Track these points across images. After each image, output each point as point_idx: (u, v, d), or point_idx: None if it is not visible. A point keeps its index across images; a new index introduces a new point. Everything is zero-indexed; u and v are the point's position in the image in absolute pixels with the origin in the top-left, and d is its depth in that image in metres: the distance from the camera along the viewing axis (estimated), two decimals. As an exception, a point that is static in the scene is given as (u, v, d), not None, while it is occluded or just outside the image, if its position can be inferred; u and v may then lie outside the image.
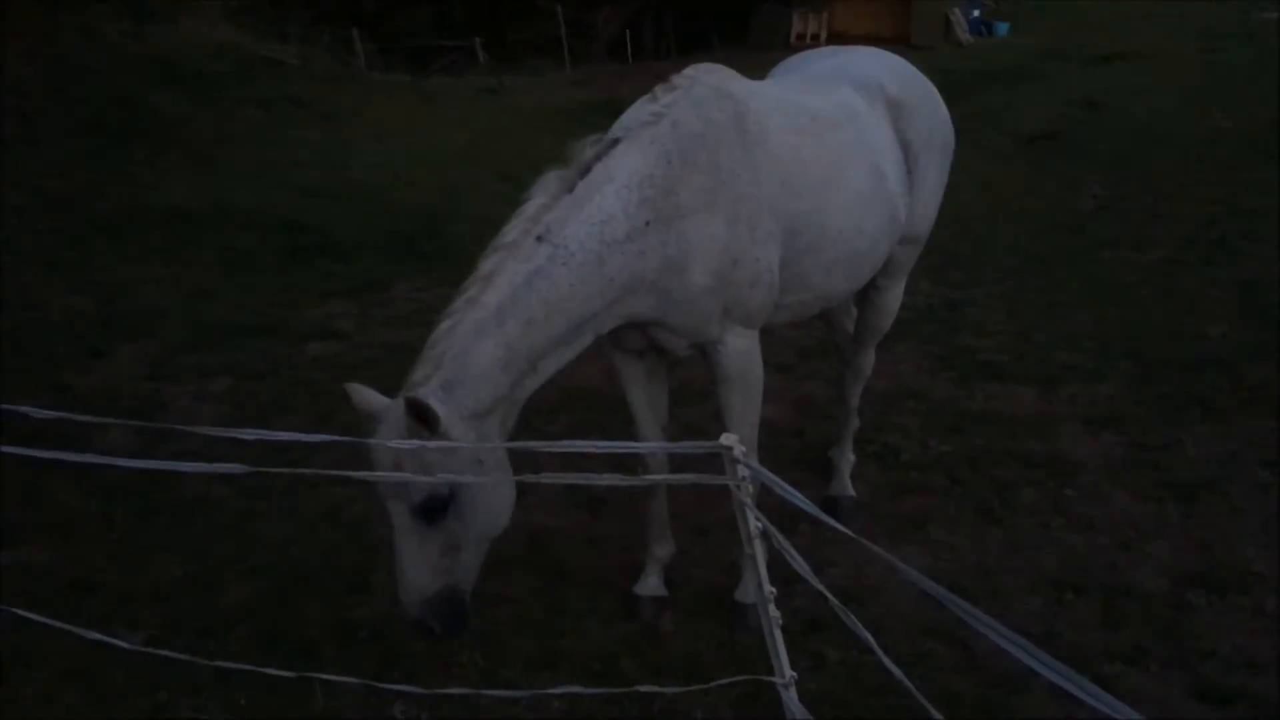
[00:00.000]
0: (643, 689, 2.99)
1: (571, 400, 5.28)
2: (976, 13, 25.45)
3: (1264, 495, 4.39)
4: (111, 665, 3.44)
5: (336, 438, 2.56)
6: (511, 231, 3.04)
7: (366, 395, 2.93)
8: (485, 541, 2.98)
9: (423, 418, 2.73)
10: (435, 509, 2.80)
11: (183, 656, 2.96)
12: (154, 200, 8.82)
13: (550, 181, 3.13)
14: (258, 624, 3.76)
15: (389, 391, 2.94)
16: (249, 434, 2.64)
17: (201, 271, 7.41)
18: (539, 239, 2.99)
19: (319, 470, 2.89)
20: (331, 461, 3.59)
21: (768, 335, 3.67)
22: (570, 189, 3.06)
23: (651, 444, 3.53)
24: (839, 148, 3.58)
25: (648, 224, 3.11)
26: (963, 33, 24.10)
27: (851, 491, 4.49)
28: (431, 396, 2.76)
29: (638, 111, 3.30)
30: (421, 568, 2.83)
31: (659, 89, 3.33)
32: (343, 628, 3.75)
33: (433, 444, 2.68)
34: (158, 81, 12.05)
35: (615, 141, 3.16)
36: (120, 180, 9.33)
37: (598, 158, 3.12)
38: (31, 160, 9.29)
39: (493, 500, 2.94)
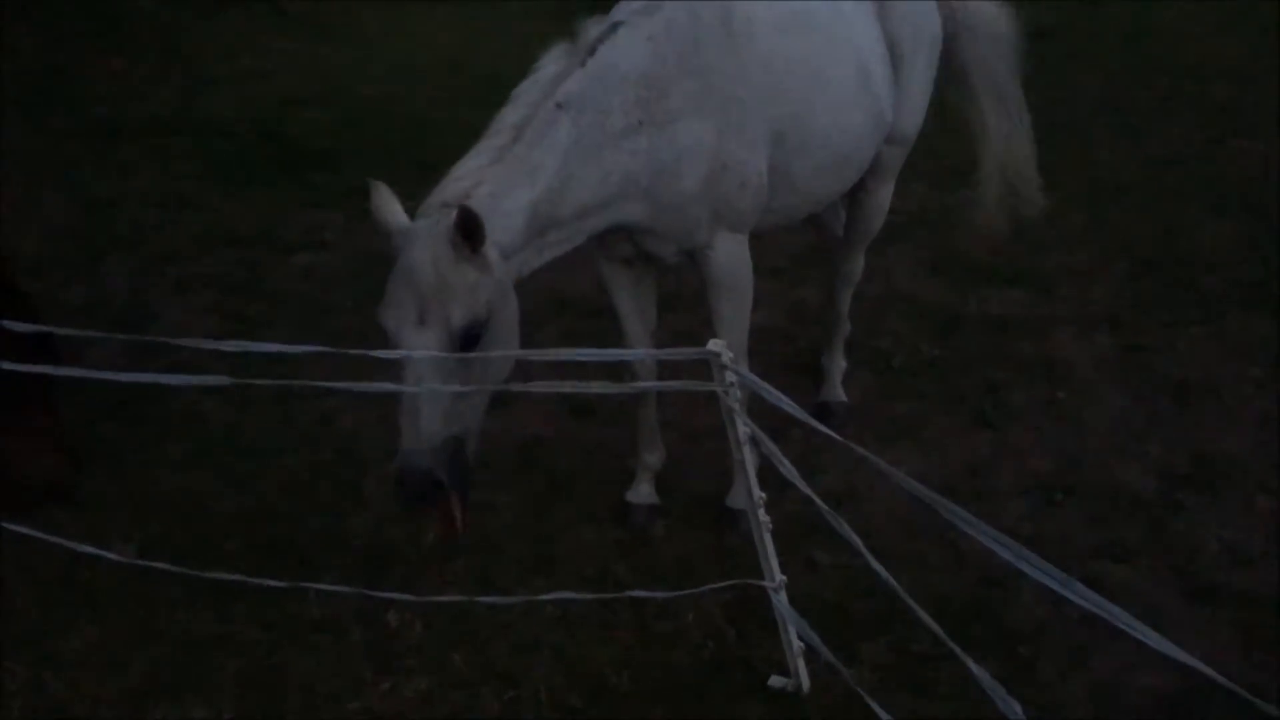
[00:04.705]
0: (635, 594, 3.03)
1: (562, 309, 5.24)
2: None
3: (1256, 394, 4.40)
4: (104, 577, 3.45)
5: (322, 349, 2.52)
6: (531, 91, 2.98)
7: (392, 205, 2.77)
8: (491, 389, 2.83)
9: (471, 230, 2.59)
10: (473, 338, 2.64)
11: (175, 569, 2.98)
12: (134, 110, 8.63)
13: (560, 53, 3.07)
14: (250, 535, 3.78)
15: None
16: (231, 345, 2.60)
17: (184, 182, 7.27)
18: (558, 106, 2.93)
19: (307, 381, 2.87)
20: (320, 372, 3.58)
21: (758, 240, 3.63)
22: (582, 64, 3.00)
23: (639, 351, 3.51)
24: (824, 46, 3.50)
25: (640, 124, 3.06)
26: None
27: (843, 396, 4.48)
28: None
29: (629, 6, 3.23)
30: (436, 410, 2.62)
31: (646, -16, 3.24)
32: (335, 537, 3.77)
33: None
34: (134, -13, 11.74)
35: (616, 25, 3.09)
36: (99, 89, 9.13)
37: (601, 40, 3.05)
38: (7, 69, 9.07)
39: (513, 337, 2.86)
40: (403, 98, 9.13)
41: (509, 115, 2.95)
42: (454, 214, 2.58)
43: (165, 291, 5.72)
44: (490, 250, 2.68)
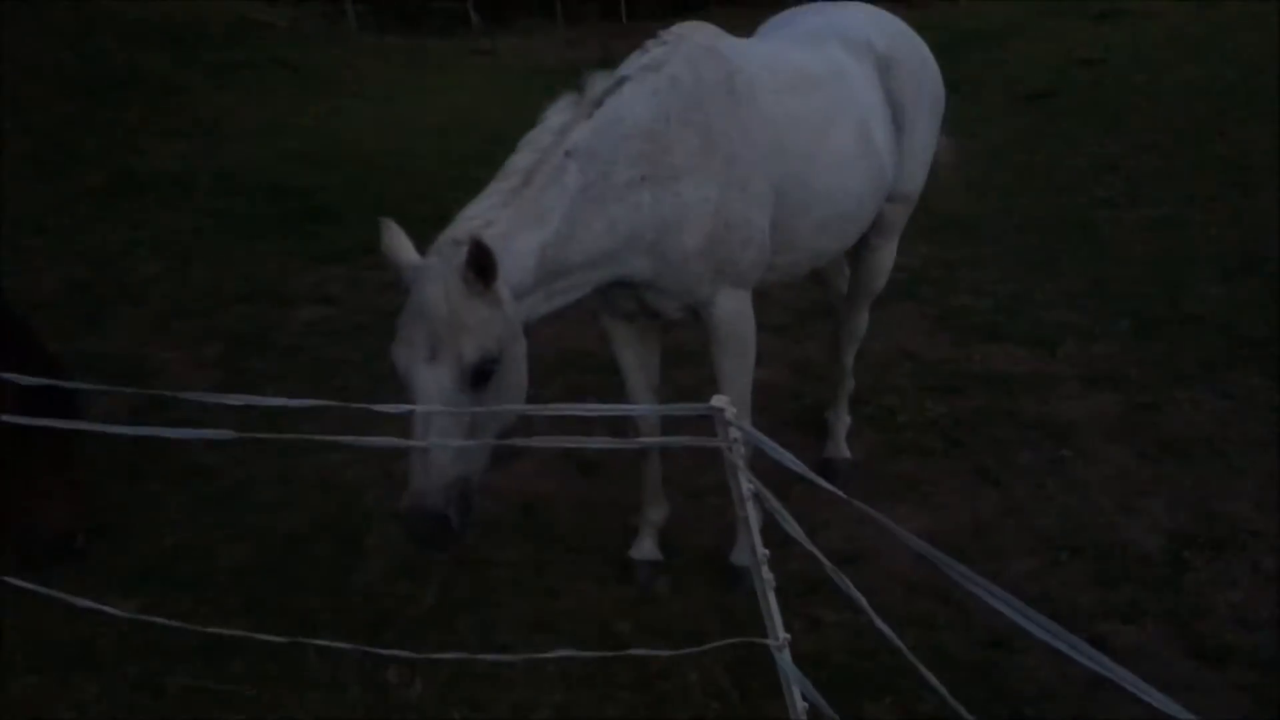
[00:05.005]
0: (637, 652, 3.00)
1: (565, 364, 5.25)
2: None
3: (1261, 453, 4.38)
4: (104, 633, 3.43)
5: (326, 403, 2.52)
6: (541, 138, 3.01)
7: (403, 243, 2.72)
8: (499, 429, 2.79)
9: (483, 265, 2.56)
10: (485, 374, 2.61)
11: (175, 624, 2.96)
12: (142, 165, 8.75)
13: (567, 104, 3.11)
14: (250, 590, 3.75)
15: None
16: (236, 399, 2.59)
17: (191, 237, 7.35)
18: (567, 154, 2.96)
19: (309, 435, 2.86)
20: (323, 427, 3.56)
21: (763, 297, 3.64)
22: (589, 116, 3.04)
23: (643, 406, 3.51)
24: (827, 106, 3.54)
25: (643, 179, 3.08)
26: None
27: (847, 453, 4.47)
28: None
29: (635, 62, 3.27)
30: (447, 450, 2.59)
31: (649, 43, 3.29)
32: (336, 593, 3.74)
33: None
34: (146, 45, 11.92)
35: (623, 79, 3.14)
36: (109, 144, 9.25)
37: (608, 93, 3.10)
38: (20, 125, 9.19)
39: (522, 377, 2.83)
40: (410, 155, 9.24)
41: (519, 160, 2.98)
42: (465, 250, 2.57)
43: (171, 345, 5.75)
44: (501, 287, 2.68)
